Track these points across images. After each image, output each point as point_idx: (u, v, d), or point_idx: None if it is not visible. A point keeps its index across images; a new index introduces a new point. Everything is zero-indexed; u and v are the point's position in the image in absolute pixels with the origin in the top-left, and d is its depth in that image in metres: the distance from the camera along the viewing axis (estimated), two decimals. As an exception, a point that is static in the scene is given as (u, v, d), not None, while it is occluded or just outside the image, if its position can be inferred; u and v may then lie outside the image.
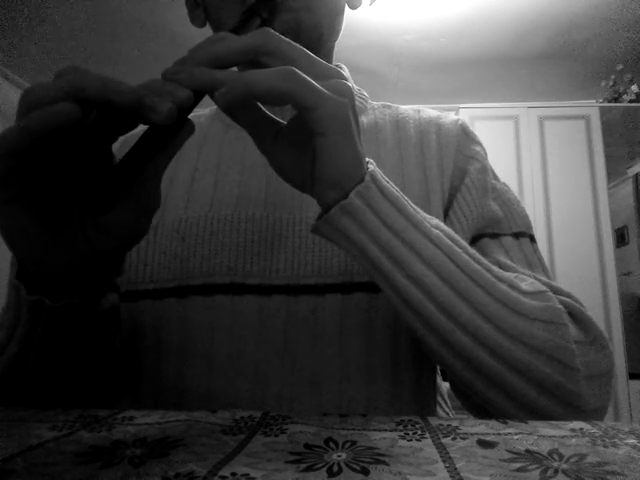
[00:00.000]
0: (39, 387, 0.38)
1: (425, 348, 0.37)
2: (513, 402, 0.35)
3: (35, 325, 0.34)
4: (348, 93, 0.30)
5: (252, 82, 0.27)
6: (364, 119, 0.54)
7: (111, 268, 0.35)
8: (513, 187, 2.52)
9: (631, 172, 3.01)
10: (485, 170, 0.51)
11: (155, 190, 0.33)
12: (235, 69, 0.31)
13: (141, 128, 0.29)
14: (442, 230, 0.35)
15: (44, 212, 0.29)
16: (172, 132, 0.29)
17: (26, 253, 0.31)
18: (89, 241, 0.31)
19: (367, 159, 0.33)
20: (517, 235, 0.48)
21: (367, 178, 0.31)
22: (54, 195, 0.30)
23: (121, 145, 0.52)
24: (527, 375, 0.35)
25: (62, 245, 0.30)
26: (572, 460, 0.22)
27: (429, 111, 0.56)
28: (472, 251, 0.36)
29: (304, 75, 0.28)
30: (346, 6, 0.53)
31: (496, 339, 0.34)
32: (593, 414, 0.37)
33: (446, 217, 0.48)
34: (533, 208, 2.51)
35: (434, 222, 0.35)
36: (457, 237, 0.36)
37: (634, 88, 2.67)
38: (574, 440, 0.25)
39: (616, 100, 2.73)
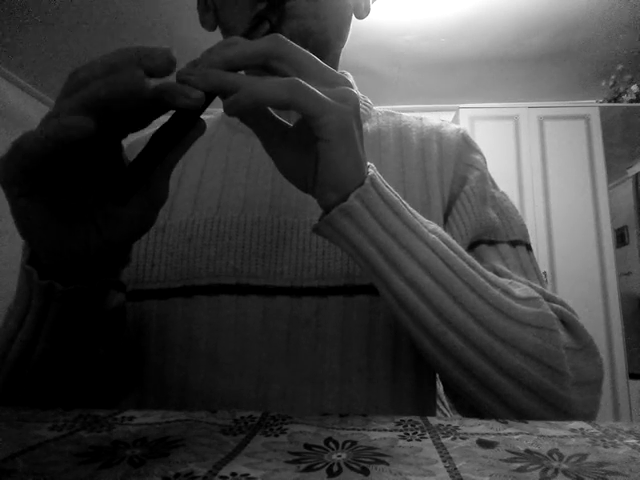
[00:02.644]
0: (45, 379, 0.38)
1: (419, 349, 0.37)
2: (503, 405, 0.36)
3: (45, 312, 0.35)
4: (353, 100, 0.31)
5: (258, 92, 0.28)
6: (367, 126, 0.54)
7: (119, 257, 0.36)
8: (513, 187, 2.52)
9: (631, 172, 3.01)
10: (484, 178, 0.51)
11: (164, 184, 0.34)
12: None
13: (148, 132, 0.30)
14: (438, 235, 0.36)
15: (57, 204, 0.30)
16: (185, 130, 0.30)
17: (39, 243, 0.31)
18: (99, 232, 0.32)
19: (368, 164, 0.34)
20: (513, 243, 0.49)
21: (367, 182, 0.32)
22: (66, 188, 0.30)
23: (127, 148, 0.53)
24: (517, 379, 0.35)
25: (74, 236, 0.31)
26: (572, 460, 0.22)
27: (431, 120, 0.57)
28: (467, 256, 0.37)
29: (308, 85, 0.29)
30: (353, 15, 0.54)
31: (487, 342, 0.34)
32: (581, 420, 0.37)
33: (445, 223, 0.49)
34: (533, 208, 2.51)
35: (431, 227, 0.36)
36: (453, 242, 0.37)
37: (634, 88, 2.67)
38: (574, 440, 0.25)
39: (616, 100, 2.74)
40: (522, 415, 0.36)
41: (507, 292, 0.37)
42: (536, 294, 0.40)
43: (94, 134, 0.26)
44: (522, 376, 0.35)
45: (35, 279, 0.33)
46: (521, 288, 0.40)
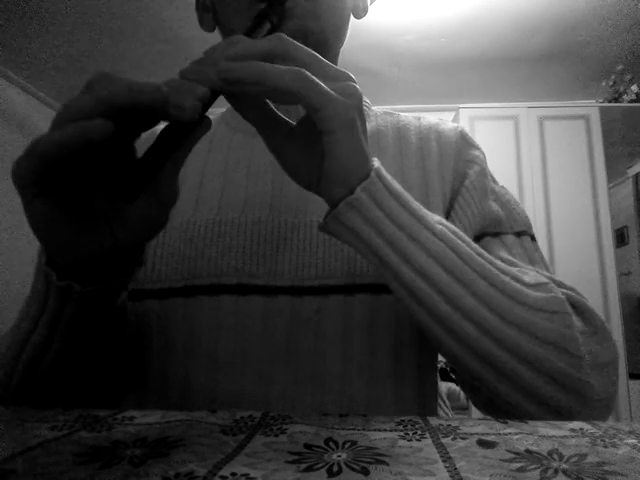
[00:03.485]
0: (58, 379, 0.38)
1: (432, 340, 0.37)
2: (521, 392, 0.36)
3: (61, 312, 0.35)
4: (356, 95, 0.32)
5: (265, 74, 0.29)
6: (367, 126, 0.54)
7: (134, 258, 0.36)
8: (513, 187, 2.52)
9: (631, 172, 3.01)
10: (484, 173, 0.52)
11: (172, 184, 0.34)
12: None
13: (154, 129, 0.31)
14: (445, 225, 0.36)
15: (70, 205, 0.30)
16: (191, 127, 0.30)
17: (52, 244, 0.32)
18: (112, 234, 0.32)
19: (373, 158, 0.34)
20: (518, 234, 0.49)
21: (372, 174, 0.33)
22: (79, 189, 0.31)
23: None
24: (533, 364, 0.35)
25: (86, 237, 0.31)
26: (572, 460, 0.22)
27: (429, 118, 0.57)
28: (475, 245, 0.37)
29: (313, 77, 0.29)
30: (351, 15, 0.54)
31: (501, 329, 0.34)
32: (600, 404, 0.37)
33: (448, 219, 0.49)
34: (533, 208, 2.51)
35: (437, 218, 0.36)
36: (460, 232, 0.37)
37: (634, 88, 2.67)
38: (574, 440, 0.25)
39: (616, 100, 2.73)
40: (541, 403, 0.35)
41: (517, 279, 0.37)
42: (545, 280, 0.40)
43: (111, 136, 0.26)
44: (538, 361, 0.35)
45: (54, 280, 0.34)
46: (530, 275, 0.40)
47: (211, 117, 0.57)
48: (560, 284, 0.42)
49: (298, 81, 0.29)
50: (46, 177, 0.28)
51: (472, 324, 0.34)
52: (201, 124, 0.31)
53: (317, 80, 0.30)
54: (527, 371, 0.35)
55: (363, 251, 0.34)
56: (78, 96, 0.28)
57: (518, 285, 0.37)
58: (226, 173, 0.51)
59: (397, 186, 0.34)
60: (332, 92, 0.30)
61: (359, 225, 0.33)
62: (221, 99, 0.35)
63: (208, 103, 0.30)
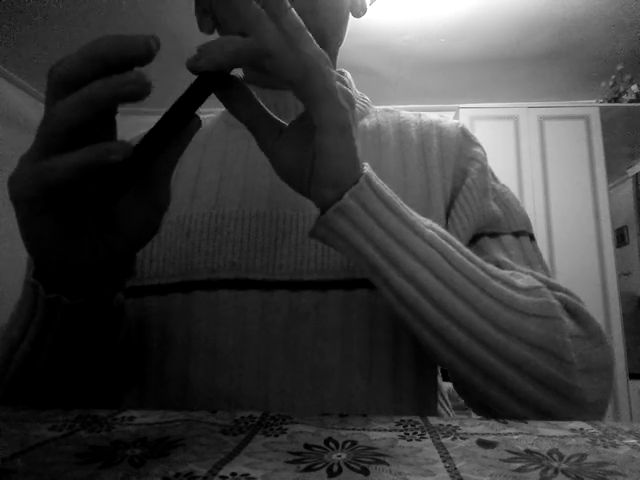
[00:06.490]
0: (48, 385, 0.38)
1: (422, 345, 0.37)
2: (511, 397, 0.36)
3: (50, 323, 0.35)
4: (350, 99, 0.32)
5: (295, 40, 0.30)
6: (367, 122, 0.55)
7: (123, 268, 0.36)
8: (513, 187, 2.52)
9: (631, 172, 3.01)
10: (485, 170, 0.52)
11: (165, 188, 0.34)
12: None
13: (143, 131, 0.31)
14: (435, 230, 0.36)
15: (67, 219, 0.30)
16: (180, 126, 0.30)
17: (48, 259, 0.31)
18: (105, 242, 0.32)
19: (363, 163, 0.35)
20: (517, 234, 0.49)
21: (361, 180, 0.33)
22: (76, 201, 0.30)
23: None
24: (523, 369, 0.35)
25: (81, 248, 0.31)
26: (572, 460, 0.22)
27: (429, 115, 0.57)
28: (466, 250, 0.37)
29: (331, 66, 0.30)
30: (349, 14, 0.55)
31: (491, 334, 0.34)
32: (591, 408, 0.37)
33: (448, 217, 0.49)
34: (533, 208, 2.51)
35: (427, 223, 0.36)
36: (451, 237, 0.37)
37: (634, 88, 2.67)
38: (574, 440, 0.25)
39: (616, 100, 2.73)
40: (532, 407, 0.35)
41: (508, 284, 0.37)
42: (539, 283, 0.39)
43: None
44: (527, 366, 0.35)
45: (41, 293, 0.33)
46: (523, 279, 0.40)
47: (211, 115, 0.57)
48: (555, 287, 0.42)
49: (317, 61, 0.30)
50: (54, 197, 0.28)
51: (461, 329, 0.34)
52: (191, 122, 0.31)
53: (331, 70, 0.30)
54: (516, 375, 0.35)
55: (353, 256, 0.34)
56: (60, 103, 0.27)
57: (509, 290, 0.37)
58: (223, 166, 0.50)
59: (387, 191, 0.34)
60: (337, 88, 0.31)
61: (348, 231, 0.33)
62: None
63: (199, 101, 0.30)
